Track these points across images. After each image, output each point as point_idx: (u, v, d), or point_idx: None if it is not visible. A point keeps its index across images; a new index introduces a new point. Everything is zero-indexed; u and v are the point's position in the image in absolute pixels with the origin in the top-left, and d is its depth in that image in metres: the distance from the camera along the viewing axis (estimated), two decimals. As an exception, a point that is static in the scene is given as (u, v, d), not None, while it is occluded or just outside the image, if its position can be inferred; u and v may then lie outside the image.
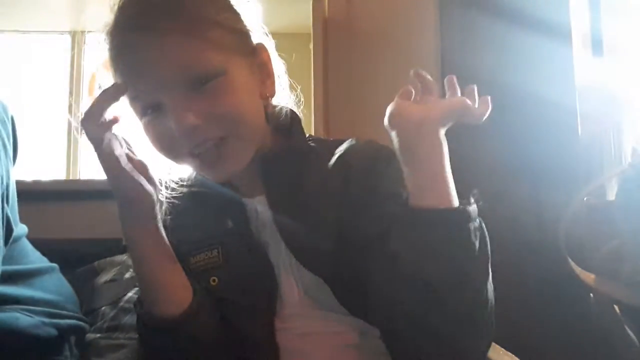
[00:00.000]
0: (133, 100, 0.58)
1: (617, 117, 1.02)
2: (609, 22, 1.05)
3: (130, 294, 0.80)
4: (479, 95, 0.60)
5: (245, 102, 0.59)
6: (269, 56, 0.63)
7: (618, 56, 1.04)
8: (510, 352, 0.68)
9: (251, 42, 0.62)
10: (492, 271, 0.58)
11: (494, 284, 0.58)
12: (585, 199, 0.86)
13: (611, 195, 0.88)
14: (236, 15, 0.61)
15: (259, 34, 0.64)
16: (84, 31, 2.60)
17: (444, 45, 1.13)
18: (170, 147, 0.58)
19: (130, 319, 0.74)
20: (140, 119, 0.58)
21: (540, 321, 0.94)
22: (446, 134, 0.65)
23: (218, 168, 0.59)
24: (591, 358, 0.86)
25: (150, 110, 0.57)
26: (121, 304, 0.80)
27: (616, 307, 0.82)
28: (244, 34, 0.61)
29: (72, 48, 2.64)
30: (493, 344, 0.72)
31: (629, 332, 0.81)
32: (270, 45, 0.65)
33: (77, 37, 2.65)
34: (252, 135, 0.60)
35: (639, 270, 0.72)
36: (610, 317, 0.83)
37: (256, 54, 0.62)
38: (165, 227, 0.61)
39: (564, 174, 0.95)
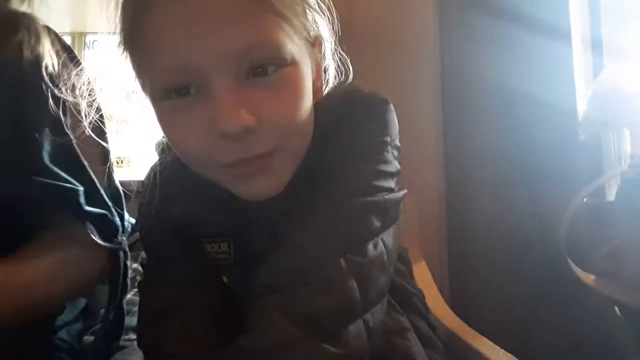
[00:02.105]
0: (158, 75, 0.43)
1: (617, 118, 1.01)
2: (609, 22, 1.05)
3: (129, 296, 0.80)
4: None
5: (305, 107, 0.47)
6: (322, 52, 0.53)
7: (618, 56, 1.04)
8: (510, 352, 0.68)
9: (314, 29, 0.50)
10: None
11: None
12: (585, 199, 0.86)
13: (611, 196, 0.87)
14: None
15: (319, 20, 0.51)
16: (84, 32, 2.60)
17: (443, 45, 1.13)
18: (201, 150, 0.44)
19: (129, 321, 0.74)
20: (158, 100, 0.45)
21: (540, 321, 0.94)
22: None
23: (257, 183, 0.46)
24: (591, 358, 0.86)
25: (179, 93, 0.43)
26: (121, 305, 0.80)
27: (616, 308, 0.82)
28: (310, 21, 0.49)
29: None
30: (493, 344, 0.72)
31: (629, 333, 0.81)
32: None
33: (77, 38, 2.64)
34: (302, 149, 0.49)
35: (639, 271, 0.72)
36: (610, 318, 0.83)
37: (315, 47, 0.50)
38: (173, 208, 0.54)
39: (564, 174, 0.95)
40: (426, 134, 1.11)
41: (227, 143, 0.43)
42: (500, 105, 1.02)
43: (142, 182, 0.59)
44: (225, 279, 0.56)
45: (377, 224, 0.47)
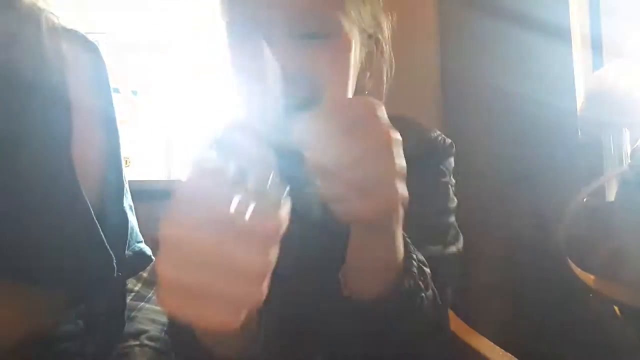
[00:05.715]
0: (232, 20, 0.53)
1: (617, 118, 1.01)
2: (609, 22, 1.05)
3: (127, 301, 0.80)
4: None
5: (343, 74, 0.53)
6: (381, 53, 0.61)
7: (618, 56, 1.04)
8: (510, 352, 0.68)
9: (375, 29, 0.58)
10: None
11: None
12: (585, 199, 0.86)
13: (611, 197, 0.87)
14: None
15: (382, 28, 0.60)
16: (84, 32, 2.60)
17: (443, 46, 1.13)
18: (247, 81, 0.52)
19: (129, 327, 0.74)
20: (228, 38, 0.54)
21: (540, 322, 0.94)
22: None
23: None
24: (591, 359, 0.86)
25: (244, 36, 0.51)
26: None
27: (616, 308, 0.82)
28: (371, 18, 0.57)
29: (73, 48, 2.63)
30: (493, 344, 0.72)
31: (629, 333, 0.81)
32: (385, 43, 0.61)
33: (77, 38, 2.64)
34: None
35: (639, 271, 0.72)
36: (610, 318, 0.83)
37: (371, 42, 0.59)
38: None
39: (564, 174, 0.95)
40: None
41: (279, 85, 0.49)
42: (500, 105, 1.02)
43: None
44: None
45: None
